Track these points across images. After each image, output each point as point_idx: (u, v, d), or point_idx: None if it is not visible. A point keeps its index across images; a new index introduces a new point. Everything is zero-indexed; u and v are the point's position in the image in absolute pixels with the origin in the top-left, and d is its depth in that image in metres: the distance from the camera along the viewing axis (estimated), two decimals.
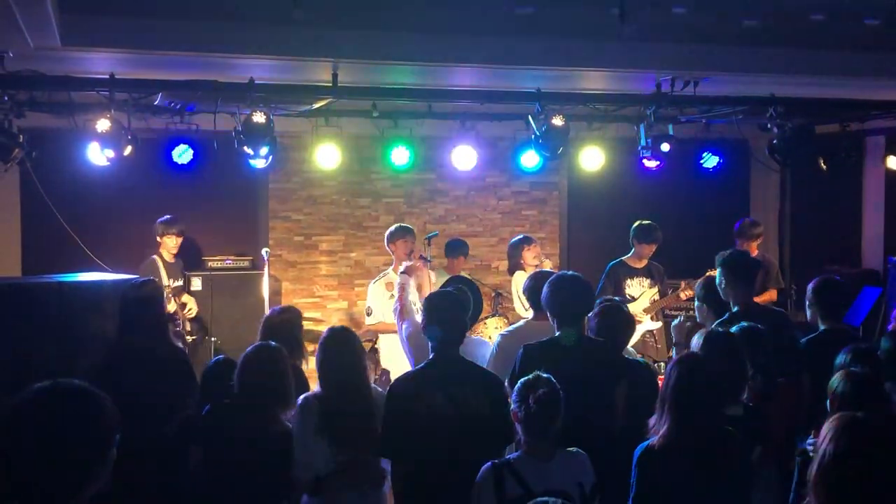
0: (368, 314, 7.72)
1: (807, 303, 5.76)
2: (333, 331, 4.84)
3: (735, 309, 5.74)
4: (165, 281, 8.38)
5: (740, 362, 4.53)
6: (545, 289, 4.98)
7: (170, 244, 8.59)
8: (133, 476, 4.55)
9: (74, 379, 2.52)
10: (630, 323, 5.37)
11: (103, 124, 6.93)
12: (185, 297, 8.68)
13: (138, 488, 4.63)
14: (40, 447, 2.36)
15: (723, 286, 5.83)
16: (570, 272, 5.20)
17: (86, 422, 2.42)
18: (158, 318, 5.55)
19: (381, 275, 7.84)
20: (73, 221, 8.82)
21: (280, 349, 4.80)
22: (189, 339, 8.51)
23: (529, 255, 8.29)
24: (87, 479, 2.42)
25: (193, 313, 8.62)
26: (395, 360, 6.95)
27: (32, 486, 2.35)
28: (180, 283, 8.70)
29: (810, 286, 5.75)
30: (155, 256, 8.56)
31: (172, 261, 8.66)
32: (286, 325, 5.47)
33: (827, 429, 2.99)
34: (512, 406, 3.99)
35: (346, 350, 4.69)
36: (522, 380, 4.01)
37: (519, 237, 8.69)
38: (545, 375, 4.00)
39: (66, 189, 8.80)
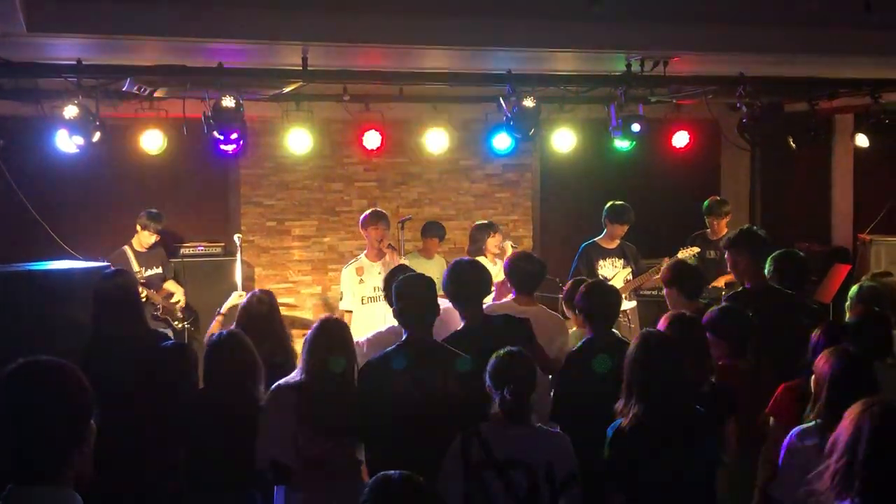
0: (341, 299, 7.75)
1: (767, 274, 5.80)
2: (326, 322, 4.76)
3: (747, 286, 5.76)
4: (136, 268, 8.34)
5: (703, 342, 4.59)
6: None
7: (143, 238, 8.55)
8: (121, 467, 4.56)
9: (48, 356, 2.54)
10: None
11: (71, 111, 6.85)
12: (171, 286, 8.67)
13: (127, 478, 4.61)
14: (20, 422, 2.41)
15: (740, 267, 5.84)
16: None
17: (63, 395, 2.46)
18: (134, 307, 5.50)
19: (354, 260, 7.85)
20: (43, 209, 8.74)
21: (241, 334, 4.84)
22: (178, 325, 8.51)
23: (493, 243, 8.37)
24: (67, 453, 2.46)
25: (182, 303, 8.63)
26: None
27: (14, 462, 2.40)
28: (157, 271, 8.65)
29: (772, 258, 5.80)
30: (125, 247, 8.51)
31: (144, 250, 8.60)
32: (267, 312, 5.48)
33: (857, 418, 2.93)
34: (487, 382, 4.01)
35: (338, 341, 4.64)
36: (495, 361, 4.02)
37: (484, 222, 8.77)
38: (515, 350, 4.03)
39: (34, 177, 8.70)
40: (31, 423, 2.41)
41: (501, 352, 4.04)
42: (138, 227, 8.55)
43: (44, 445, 2.42)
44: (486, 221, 8.82)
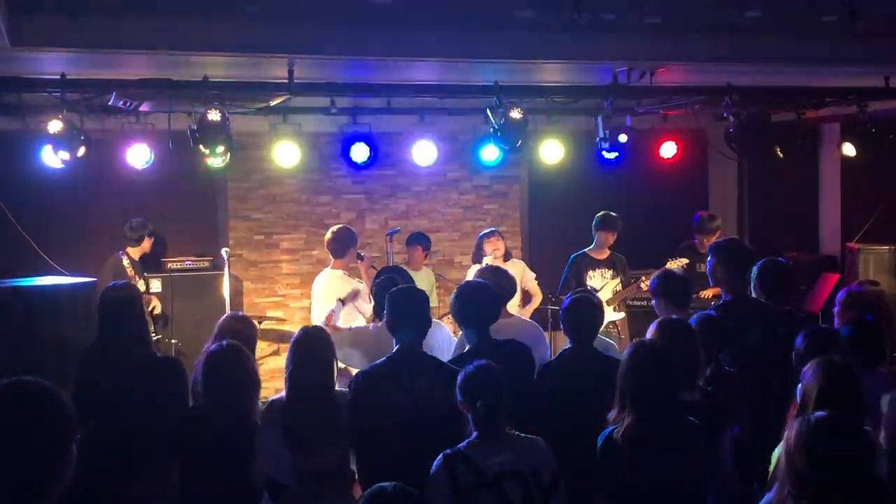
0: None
1: (752, 284, 5.80)
2: (307, 331, 4.72)
3: (728, 298, 5.76)
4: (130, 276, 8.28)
5: (695, 348, 4.56)
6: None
7: (147, 245, 8.52)
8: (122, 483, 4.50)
9: (30, 376, 2.47)
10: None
11: (55, 125, 6.80)
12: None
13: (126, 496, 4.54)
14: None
15: (717, 275, 5.84)
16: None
17: (43, 421, 2.38)
18: (139, 319, 5.42)
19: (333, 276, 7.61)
20: (29, 225, 8.68)
21: (237, 344, 4.70)
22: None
23: (488, 247, 8.38)
24: (47, 479, 2.39)
25: (158, 310, 8.57)
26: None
27: None
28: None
29: (755, 268, 5.80)
30: (121, 254, 8.43)
31: (137, 259, 8.55)
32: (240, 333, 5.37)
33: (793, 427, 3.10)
34: (458, 398, 3.99)
35: (320, 353, 4.57)
36: (464, 372, 4.01)
37: (488, 230, 8.76)
38: (483, 363, 4.02)
39: (20, 192, 8.64)
40: (9, 448, 2.33)
41: (470, 366, 4.01)
42: (146, 238, 8.59)
43: (21, 472, 2.34)
44: (489, 228, 8.84)
